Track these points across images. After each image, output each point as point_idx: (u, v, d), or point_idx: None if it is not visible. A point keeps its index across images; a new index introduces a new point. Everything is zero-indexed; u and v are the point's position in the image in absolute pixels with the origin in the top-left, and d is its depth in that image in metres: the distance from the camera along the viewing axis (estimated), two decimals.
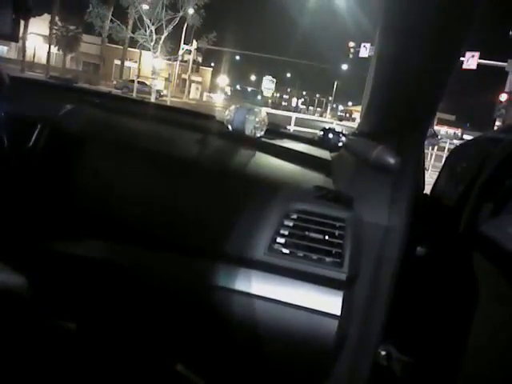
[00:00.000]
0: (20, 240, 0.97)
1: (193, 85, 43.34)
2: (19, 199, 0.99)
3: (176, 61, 27.77)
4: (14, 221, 0.98)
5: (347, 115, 68.66)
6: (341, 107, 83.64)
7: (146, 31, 19.48)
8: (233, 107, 1.22)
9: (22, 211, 0.99)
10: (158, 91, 22.06)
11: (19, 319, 0.97)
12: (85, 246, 0.94)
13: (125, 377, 0.99)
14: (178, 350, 0.96)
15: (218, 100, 39.83)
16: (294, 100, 77.89)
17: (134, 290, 0.91)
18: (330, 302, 0.81)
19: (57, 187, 1.00)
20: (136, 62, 29.27)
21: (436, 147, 10.53)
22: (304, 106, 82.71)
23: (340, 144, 1.37)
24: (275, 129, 1.42)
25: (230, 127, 1.20)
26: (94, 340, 0.99)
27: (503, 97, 15.30)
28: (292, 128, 10.90)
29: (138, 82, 24.12)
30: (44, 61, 28.28)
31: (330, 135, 1.41)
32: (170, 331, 0.93)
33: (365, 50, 19.25)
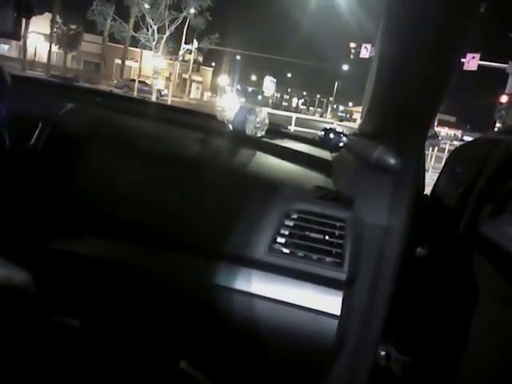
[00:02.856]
0: (22, 237, 0.97)
1: (193, 84, 43.28)
2: (21, 197, 0.99)
3: (177, 60, 27.79)
4: (16, 218, 0.98)
5: (348, 116, 68.69)
6: (341, 108, 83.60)
7: (148, 30, 19.49)
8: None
9: (24, 209, 0.99)
10: (159, 91, 22.05)
11: (22, 315, 0.97)
12: (86, 244, 0.94)
13: (128, 373, 0.99)
14: (181, 348, 0.96)
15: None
16: (295, 100, 77.84)
17: (135, 288, 0.92)
18: (330, 302, 0.81)
19: (58, 185, 1.00)
20: (137, 61, 29.20)
21: (436, 148, 10.54)
22: (304, 107, 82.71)
23: (341, 144, 1.37)
24: (276, 129, 1.42)
25: (230, 127, 1.21)
26: (97, 337, 0.99)
27: (504, 98, 15.33)
28: (292, 128, 10.91)
29: (139, 81, 24.17)
30: (45, 60, 28.23)
31: (332, 135, 1.41)
32: (172, 329, 0.93)
33: (366, 51, 19.25)
